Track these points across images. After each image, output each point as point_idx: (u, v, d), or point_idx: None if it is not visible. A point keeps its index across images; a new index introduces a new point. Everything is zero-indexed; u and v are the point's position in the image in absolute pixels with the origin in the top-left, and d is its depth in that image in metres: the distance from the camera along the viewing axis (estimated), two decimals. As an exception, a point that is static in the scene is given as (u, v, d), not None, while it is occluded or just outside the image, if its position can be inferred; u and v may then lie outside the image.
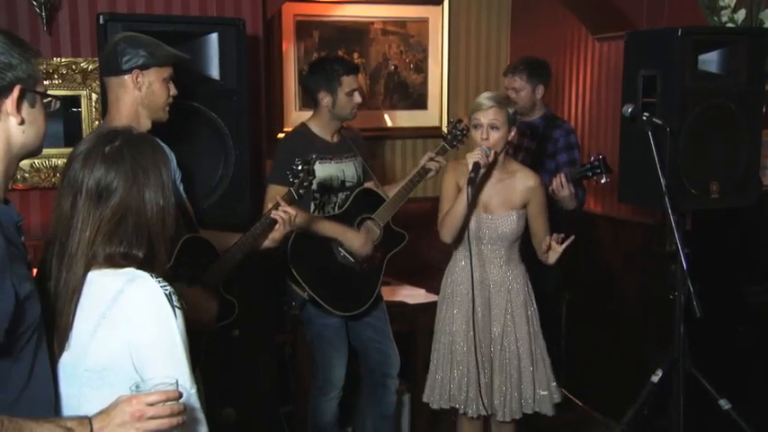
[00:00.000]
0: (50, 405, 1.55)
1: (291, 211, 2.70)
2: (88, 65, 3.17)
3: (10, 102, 1.48)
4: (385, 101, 4.95)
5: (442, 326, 3.21)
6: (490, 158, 3.00)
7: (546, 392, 3.13)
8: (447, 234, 3.12)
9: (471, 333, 3.08)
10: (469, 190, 2.91)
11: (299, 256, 3.30)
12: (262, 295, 3.54)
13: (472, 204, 2.99)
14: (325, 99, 3.40)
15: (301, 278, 3.28)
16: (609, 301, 4.35)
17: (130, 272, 1.61)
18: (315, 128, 3.45)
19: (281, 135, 4.61)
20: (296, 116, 4.65)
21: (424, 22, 4.94)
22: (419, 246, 4.04)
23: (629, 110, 2.99)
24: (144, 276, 1.61)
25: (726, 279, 3.54)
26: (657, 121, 2.89)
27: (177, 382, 1.47)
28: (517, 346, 3.11)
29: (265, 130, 3.65)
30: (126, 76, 2.43)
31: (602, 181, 3.54)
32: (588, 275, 4.49)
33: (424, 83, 5.02)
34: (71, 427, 1.41)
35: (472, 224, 3.09)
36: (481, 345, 3.08)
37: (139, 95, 2.45)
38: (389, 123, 4.97)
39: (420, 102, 5.01)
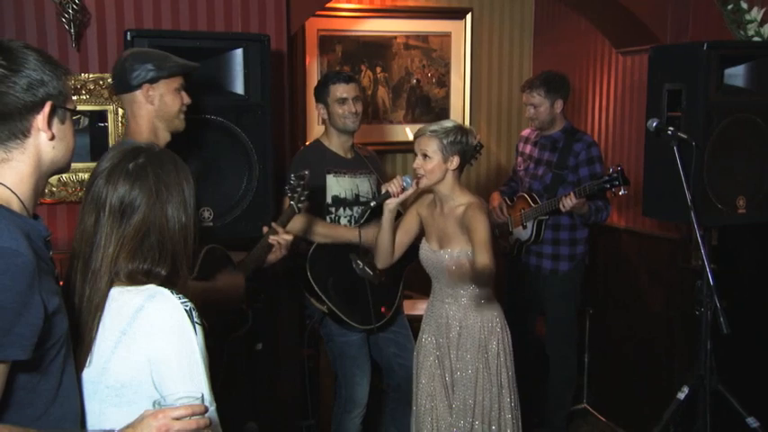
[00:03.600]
0: (76, 420, 1.56)
1: (288, 236, 2.82)
2: (115, 80, 3.21)
3: (41, 118, 1.49)
4: (407, 115, 4.97)
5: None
6: (409, 191, 2.98)
7: None
8: (376, 259, 3.14)
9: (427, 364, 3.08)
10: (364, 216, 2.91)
11: (318, 270, 3.31)
12: (284, 310, 3.55)
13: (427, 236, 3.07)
14: (322, 112, 3.47)
15: (321, 291, 3.29)
16: (634, 317, 4.30)
17: (151, 288, 1.62)
18: (327, 143, 3.49)
19: (303, 149, 4.64)
20: (318, 130, 4.66)
21: (446, 36, 4.96)
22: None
23: (654, 124, 2.97)
24: (164, 293, 1.61)
25: (753, 294, 3.49)
26: (683, 135, 2.87)
27: (203, 396, 1.47)
28: (470, 389, 2.99)
29: (288, 144, 3.67)
30: (137, 92, 2.46)
31: (621, 192, 3.53)
32: (613, 290, 4.46)
33: (447, 97, 5.03)
34: None
35: (427, 259, 3.07)
36: (433, 379, 3.05)
37: (153, 109, 2.48)
38: (411, 137, 4.96)
39: (442, 115, 5.01)
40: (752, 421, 2.94)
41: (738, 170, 3.06)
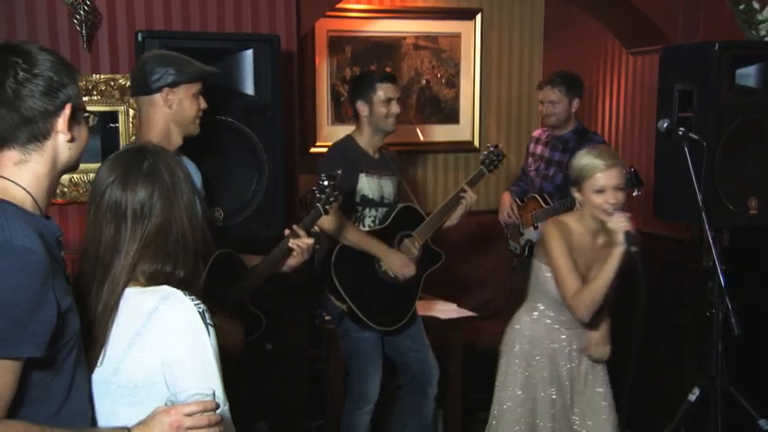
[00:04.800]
0: (87, 419, 1.57)
1: (308, 240, 2.71)
2: (126, 81, 3.23)
3: (62, 120, 1.50)
4: (417, 115, 4.96)
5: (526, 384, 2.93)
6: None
7: None
8: (587, 313, 2.74)
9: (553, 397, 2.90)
10: (616, 264, 2.64)
11: (342, 268, 3.32)
12: (294, 310, 3.56)
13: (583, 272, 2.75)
14: (362, 109, 3.42)
15: (342, 289, 3.30)
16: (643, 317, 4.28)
17: (165, 289, 1.62)
18: (359, 141, 3.48)
19: (313, 150, 4.65)
20: (328, 131, 4.69)
21: (456, 36, 4.95)
22: (453, 262, 4.02)
23: (665, 124, 2.96)
24: (178, 294, 1.62)
25: (765, 295, 3.47)
26: (694, 135, 2.86)
27: (214, 393, 1.48)
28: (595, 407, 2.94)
29: (298, 144, 3.68)
30: (156, 95, 2.45)
31: (634, 194, 3.51)
32: (622, 291, 4.43)
33: (456, 97, 5.02)
34: None
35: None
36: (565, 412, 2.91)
37: (170, 113, 2.47)
38: (421, 138, 4.97)
39: (452, 116, 5.01)
40: (764, 423, 2.93)
41: (750, 170, 3.05)
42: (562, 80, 3.90)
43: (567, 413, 2.91)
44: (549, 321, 2.92)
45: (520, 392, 2.90)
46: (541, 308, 2.93)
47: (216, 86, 2.93)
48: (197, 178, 2.67)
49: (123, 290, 1.62)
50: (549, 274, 2.83)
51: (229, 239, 2.78)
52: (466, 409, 4.03)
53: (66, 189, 3.21)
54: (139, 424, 1.47)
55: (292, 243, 2.70)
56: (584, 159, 2.74)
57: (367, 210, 3.44)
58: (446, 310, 4.09)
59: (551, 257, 2.80)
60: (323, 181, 2.81)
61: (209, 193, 2.77)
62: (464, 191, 3.47)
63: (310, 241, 2.72)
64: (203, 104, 2.54)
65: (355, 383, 3.49)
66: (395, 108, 3.40)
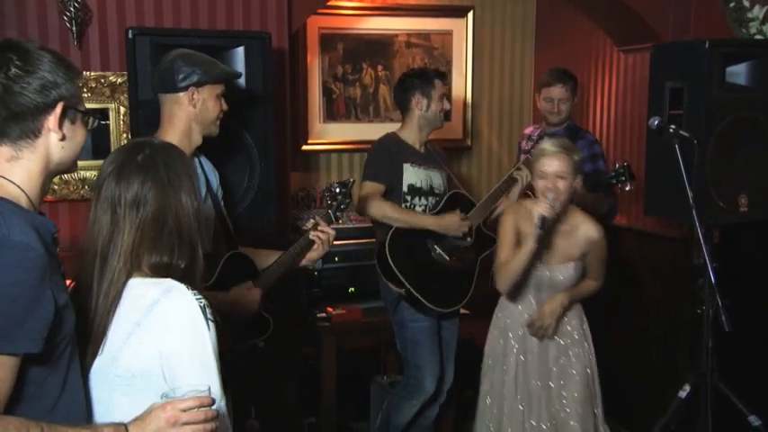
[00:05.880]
0: (83, 414, 1.58)
1: (330, 230, 2.70)
2: (117, 78, 3.22)
3: (53, 118, 1.52)
4: (409, 113, 4.95)
5: (496, 360, 3.14)
6: (557, 209, 2.87)
7: None
8: (504, 285, 3.01)
9: (517, 375, 3.06)
10: (533, 245, 2.83)
11: (397, 252, 3.35)
12: (287, 307, 3.55)
13: (534, 257, 2.91)
14: (419, 102, 3.49)
15: (399, 272, 3.33)
16: (635, 315, 4.30)
17: (168, 282, 1.64)
18: (404, 136, 3.54)
19: (305, 147, 4.65)
20: (320, 128, 4.68)
21: (447, 34, 4.95)
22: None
23: (656, 122, 2.97)
24: (180, 288, 1.63)
25: (755, 292, 3.49)
26: (684, 133, 2.87)
27: (210, 388, 1.49)
28: (570, 391, 3.04)
29: (290, 142, 3.67)
30: (182, 94, 2.47)
31: (627, 188, 3.53)
32: (614, 288, 4.45)
33: (448, 95, 5.01)
34: None
35: (534, 275, 3.03)
36: (529, 385, 3.04)
37: (193, 112, 2.49)
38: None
39: (445, 114, 4.99)
40: (753, 419, 2.94)
41: (740, 168, 3.06)
42: (570, 78, 3.90)
43: (535, 393, 3.03)
44: (524, 305, 3.08)
45: (499, 362, 3.11)
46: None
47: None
48: (213, 177, 2.67)
49: (126, 280, 1.63)
50: None
51: (245, 234, 2.79)
52: (461, 407, 4.04)
53: (56, 187, 3.20)
54: (136, 419, 1.47)
55: (313, 235, 2.69)
56: (540, 145, 3.03)
57: (417, 199, 3.49)
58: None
59: (498, 231, 3.06)
60: (335, 188, 2.83)
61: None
62: (519, 169, 3.51)
63: (333, 231, 2.72)
64: (225, 106, 2.56)
65: (411, 375, 3.53)
66: (447, 104, 3.55)
